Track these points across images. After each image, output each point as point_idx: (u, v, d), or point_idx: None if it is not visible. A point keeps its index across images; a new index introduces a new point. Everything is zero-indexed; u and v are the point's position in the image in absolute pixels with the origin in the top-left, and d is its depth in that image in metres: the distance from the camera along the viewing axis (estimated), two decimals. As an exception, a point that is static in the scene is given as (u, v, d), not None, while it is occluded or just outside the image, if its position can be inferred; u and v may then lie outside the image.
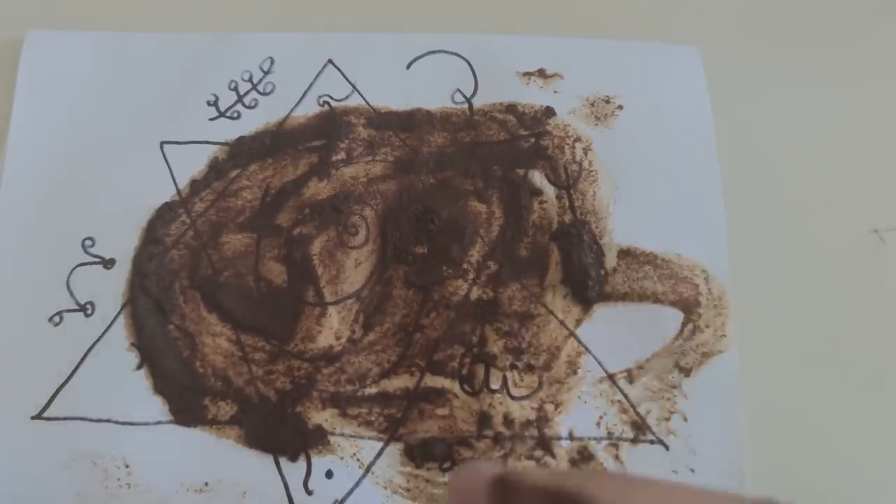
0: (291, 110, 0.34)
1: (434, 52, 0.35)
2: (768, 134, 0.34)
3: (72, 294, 0.31)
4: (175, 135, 0.33)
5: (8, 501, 0.28)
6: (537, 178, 0.33)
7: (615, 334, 0.30)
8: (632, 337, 0.30)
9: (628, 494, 0.17)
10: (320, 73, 0.35)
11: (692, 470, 0.29)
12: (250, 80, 0.34)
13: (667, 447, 0.29)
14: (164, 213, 0.32)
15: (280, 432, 0.29)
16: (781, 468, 0.28)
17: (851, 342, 0.30)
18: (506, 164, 0.33)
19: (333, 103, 0.34)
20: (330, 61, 0.35)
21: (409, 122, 0.34)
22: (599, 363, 0.30)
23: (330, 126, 0.34)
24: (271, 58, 0.35)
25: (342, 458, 0.29)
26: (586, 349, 0.30)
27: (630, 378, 0.30)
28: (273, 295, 0.31)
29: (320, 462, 0.29)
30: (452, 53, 0.35)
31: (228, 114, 0.34)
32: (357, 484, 0.29)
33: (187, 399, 0.30)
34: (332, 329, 0.31)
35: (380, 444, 0.29)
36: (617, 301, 0.31)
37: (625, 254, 0.32)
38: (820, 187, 0.32)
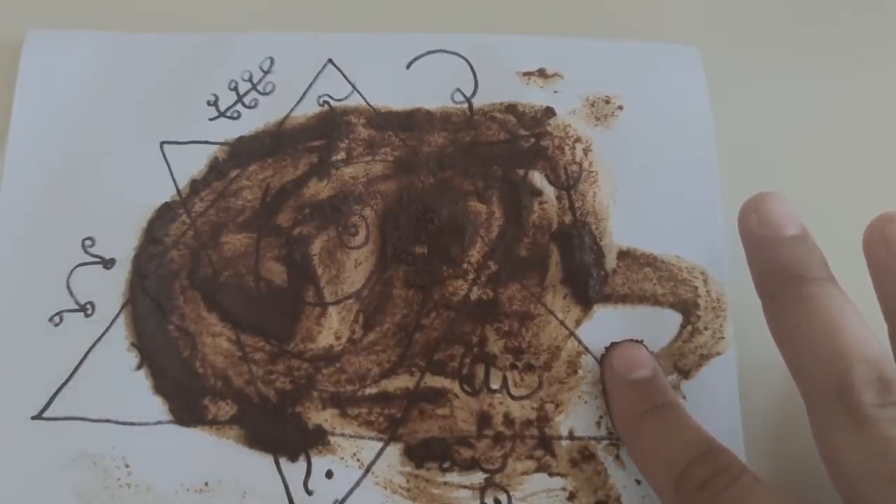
0: (291, 110, 0.34)
1: (434, 51, 0.35)
2: (768, 135, 0.34)
3: (72, 294, 0.31)
4: (175, 135, 0.33)
5: (8, 501, 0.28)
6: (537, 178, 0.33)
7: (615, 335, 0.30)
8: (632, 338, 0.30)
9: None
10: (320, 73, 0.35)
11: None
12: (250, 80, 0.34)
13: (666, 448, 0.29)
14: (164, 213, 0.32)
15: (280, 432, 0.29)
16: (779, 470, 0.28)
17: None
18: (506, 165, 0.33)
19: (333, 103, 0.34)
20: (330, 61, 0.35)
21: (409, 122, 0.34)
22: (599, 363, 0.30)
23: (330, 126, 0.34)
24: (271, 58, 0.35)
25: (342, 458, 0.29)
26: (586, 349, 0.30)
27: (630, 378, 0.30)
28: (273, 295, 0.31)
29: (320, 462, 0.29)
30: (452, 53, 0.35)
31: (228, 114, 0.34)
32: (357, 484, 0.29)
33: (187, 399, 0.30)
34: (332, 329, 0.31)
35: (380, 444, 0.29)
36: (617, 302, 0.31)
37: (624, 255, 0.32)
38: (820, 188, 0.32)
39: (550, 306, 0.31)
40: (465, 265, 0.31)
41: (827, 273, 0.26)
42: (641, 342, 0.30)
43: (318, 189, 0.33)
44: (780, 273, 0.26)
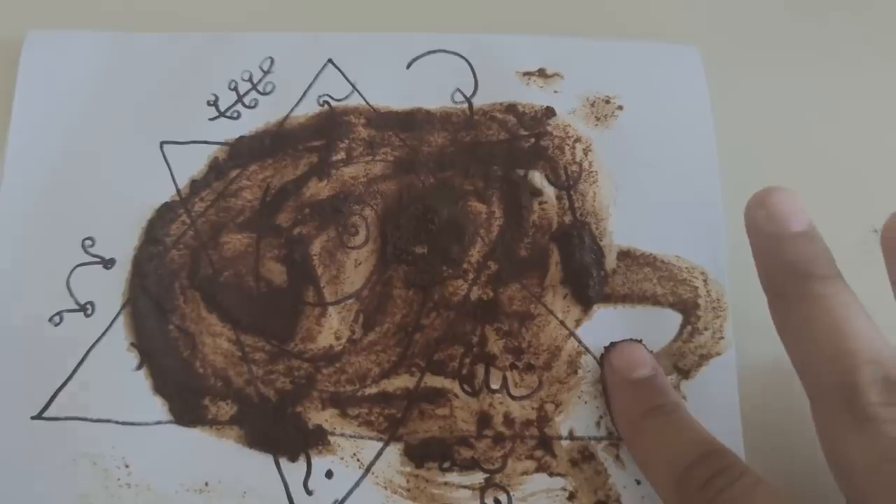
0: (291, 110, 0.34)
1: (434, 51, 0.35)
2: (768, 135, 0.34)
3: (72, 294, 0.31)
4: (175, 135, 0.33)
5: (8, 501, 0.28)
6: (537, 178, 0.33)
7: (615, 335, 0.30)
8: (631, 338, 0.30)
9: None
10: (320, 72, 0.35)
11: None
12: (250, 80, 0.34)
13: (666, 448, 0.29)
14: (164, 213, 0.32)
15: (280, 432, 0.29)
16: (779, 470, 0.28)
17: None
18: (506, 164, 0.33)
19: (333, 103, 0.34)
20: (330, 61, 0.35)
21: (409, 122, 0.34)
22: (599, 363, 0.30)
23: (330, 126, 0.34)
24: (271, 58, 0.35)
25: (342, 458, 0.29)
26: (586, 349, 0.30)
27: (630, 378, 0.30)
28: (273, 295, 0.31)
29: (320, 462, 0.29)
30: (452, 53, 0.35)
31: (228, 114, 0.34)
32: (357, 484, 0.29)
33: (187, 399, 0.30)
34: (332, 329, 0.31)
35: (380, 444, 0.29)
36: (617, 302, 0.31)
37: (624, 255, 0.32)
38: (819, 187, 0.32)
39: (550, 306, 0.31)
40: (465, 265, 0.31)
41: (834, 271, 0.25)
42: (640, 342, 0.30)
43: (318, 189, 0.33)
44: (787, 270, 0.26)
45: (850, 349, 0.23)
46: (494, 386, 0.30)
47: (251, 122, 0.34)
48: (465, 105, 0.34)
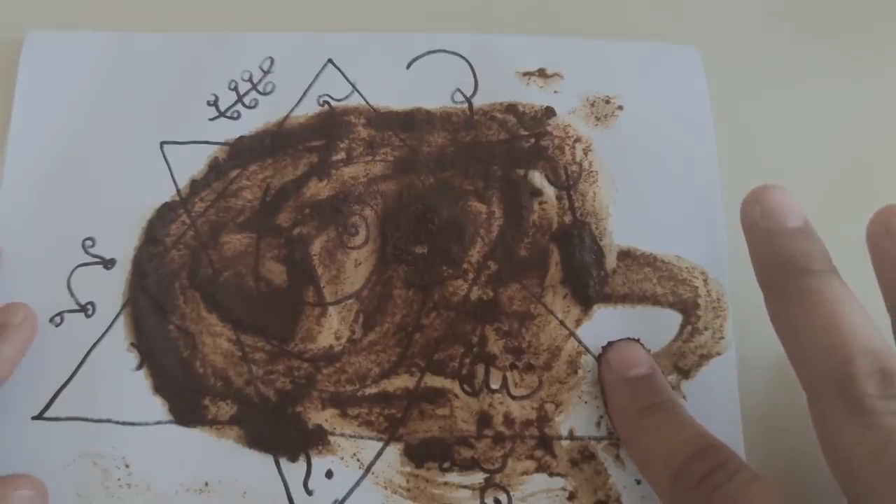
0: (291, 110, 0.34)
1: (434, 51, 0.35)
2: (768, 135, 0.34)
3: (72, 294, 0.31)
4: (175, 135, 0.33)
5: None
6: (537, 178, 0.33)
7: (615, 335, 0.30)
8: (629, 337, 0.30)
9: None
10: (320, 73, 0.35)
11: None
12: (250, 80, 0.34)
13: (666, 448, 0.29)
14: (164, 213, 0.32)
15: (280, 432, 0.29)
16: (779, 469, 0.28)
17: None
18: (506, 164, 0.33)
19: (333, 103, 0.34)
20: (330, 61, 0.35)
21: (409, 122, 0.34)
22: (597, 362, 0.30)
23: (330, 126, 0.34)
24: (271, 58, 0.35)
25: (342, 458, 0.29)
26: (586, 349, 0.30)
27: (630, 378, 0.30)
28: (273, 295, 0.31)
29: (320, 462, 0.29)
30: (452, 53, 0.35)
31: (228, 114, 0.34)
32: (357, 484, 0.29)
33: (187, 399, 0.30)
34: (332, 329, 0.31)
35: (380, 444, 0.29)
36: (617, 302, 0.31)
37: (625, 255, 0.32)
38: (820, 188, 0.32)
39: (550, 306, 0.31)
40: (465, 265, 0.31)
41: (829, 266, 0.26)
42: (638, 340, 0.30)
43: (318, 189, 0.33)
44: (783, 265, 0.26)
45: (846, 342, 0.23)
46: (494, 386, 0.30)
47: (251, 122, 0.34)
48: (465, 105, 0.34)
